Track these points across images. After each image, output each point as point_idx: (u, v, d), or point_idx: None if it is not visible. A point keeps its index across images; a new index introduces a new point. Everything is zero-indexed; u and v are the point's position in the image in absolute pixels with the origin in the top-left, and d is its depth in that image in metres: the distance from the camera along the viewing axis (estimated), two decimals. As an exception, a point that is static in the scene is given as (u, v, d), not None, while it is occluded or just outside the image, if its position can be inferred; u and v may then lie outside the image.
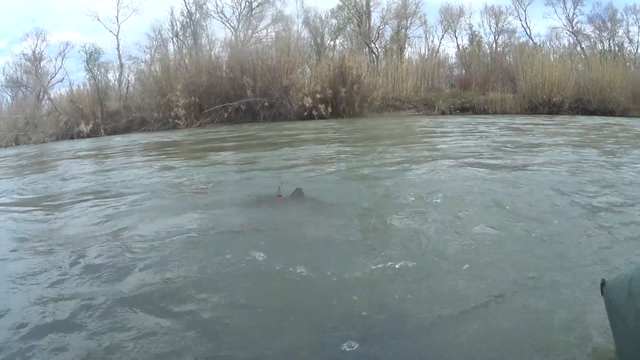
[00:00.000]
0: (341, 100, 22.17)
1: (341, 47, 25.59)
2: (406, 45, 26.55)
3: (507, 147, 8.03)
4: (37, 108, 24.30)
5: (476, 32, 28.39)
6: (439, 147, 8.78)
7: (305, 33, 26.55)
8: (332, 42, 26.95)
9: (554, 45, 27.77)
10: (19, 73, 26.45)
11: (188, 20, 24.69)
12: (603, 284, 1.52)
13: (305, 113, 21.73)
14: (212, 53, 23.51)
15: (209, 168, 7.49)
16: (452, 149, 8.31)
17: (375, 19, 26.35)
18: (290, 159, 7.76)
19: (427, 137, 11.51)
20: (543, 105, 22.02)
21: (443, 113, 23.70)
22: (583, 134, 10.92)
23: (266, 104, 22.36)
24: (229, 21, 25.48)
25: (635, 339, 1.30)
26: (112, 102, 23.85)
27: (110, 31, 25.93)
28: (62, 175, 8.08)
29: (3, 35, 47.54)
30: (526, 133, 11.36)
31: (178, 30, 24.90)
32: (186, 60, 23.10)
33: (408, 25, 26.85)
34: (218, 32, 25.53)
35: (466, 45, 28.05)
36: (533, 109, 22.16)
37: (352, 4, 25.89)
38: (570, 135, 10.47)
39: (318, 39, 26.58)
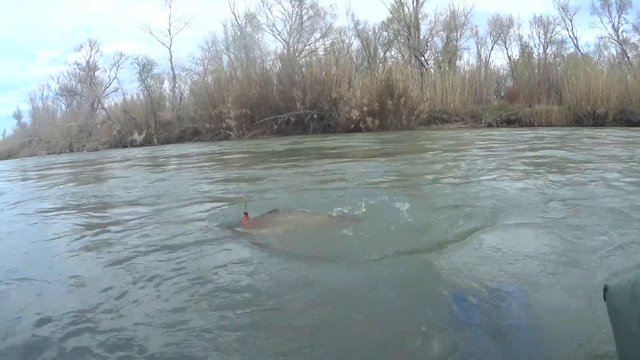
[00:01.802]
0: (388, 113, 22.36)
1: (393, 60, 25.64)
2: (457, 57, 26.41)
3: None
4: (91, 117, 25.17)
5: (526, 43, 28.05)
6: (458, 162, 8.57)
7: (355, 45, 26.72)
8: (384, 54, 27.01)
9: (602, 56, 27.28)
10: (73, 82, 27.40)
11: (239, 33, 25.08)
12: (605, 289, 1.49)
13: (353, 125, 22.01)
14: (263, 66, 23.83)
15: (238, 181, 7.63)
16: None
17: (424, 31, 26.32)
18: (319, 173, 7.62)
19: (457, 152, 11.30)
20: (587, 117, 21.59)
21: (489, 125, 23.55)
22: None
23: (315, 116, 22.63)
24: (280, 34, 25.84)
25: (639, 344, 1.29)
26: (165, 112, 24.45)
27: (163, 43, 26.66)
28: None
29: (58, 44, 49.07)
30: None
31: (229, 43, 25.31)
32: (238, 73, 23.49)
33: (458, 37, 26.72)
34: (270, 45, 25.70)
35: (516, 56, 27.75)
36: (578, 121, 21.76)
37: (401, 17, 25.90)
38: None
39: (370, 51, 26.69)
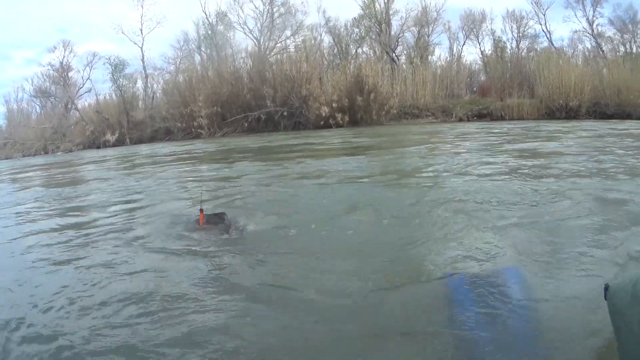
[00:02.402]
0: (358, 109, 22.51)
1: (364, 56, 25.79)
2: (429, 53, 26.59)
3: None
4: (65, 118, 25.26)
5: (499, 38, 28.27)
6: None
7: (327, 42, 26.88)
8: (355, 51, 27.15)
9: (577, 49, 27.52)
10: (47, 83, 27.44)
11: (210, 32, 25.21)
12: (606, 288, 1.51)
13: (323, 122, 22.13)
14: (235, 64, 23.99)
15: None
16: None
17: (395, 27, 26.49)
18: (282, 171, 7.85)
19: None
20: (560, 110, 21.75)
21: (460, 120, 23.72)
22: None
23: (285, 113, 22.80)
24: (252, 32, 25.98)
25: None
26: (138, 112, 24.57)
27: (135, 43, 26.75)
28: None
29: (33, 45, 49.15)
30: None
31: (201, 41, 25.45)
32: (209, 72, 23.63)
33: (430, 32, 26.91)
34: (242, 43, 25.84)
35: (489, 51, 27.97)
36: (550, 114, 21.92)
37: (373, 13, 26.05)
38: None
39: (342, 48, 26.84)
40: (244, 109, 22.95)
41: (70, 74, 27.04)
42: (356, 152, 10.63)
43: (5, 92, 39.71)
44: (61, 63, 26.72)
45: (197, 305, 2.46)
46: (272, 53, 24.81)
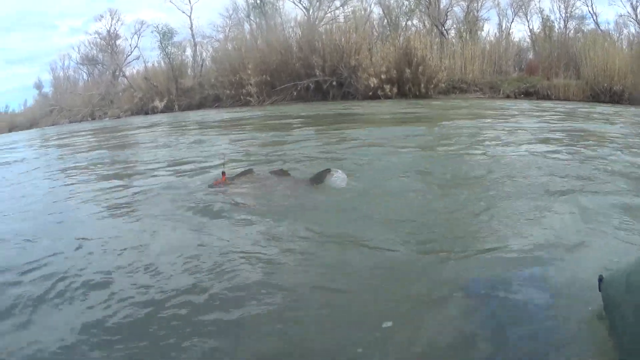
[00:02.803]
0: (406, 81, 22.40)
1: (414, 29, 25.64)
2: (478, 28, 26.33)
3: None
4: (112, 85, 25.51)
5: (547, 17, 27.90)
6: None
7: (376, 14, 26.72)
8: (405, 24, 26.98)
9: (621, 34, 27.04)
10: (94, 51, 27.74)
11: (258, 1, 25.27)
12: (600, 279, 1.49)
13: (371, 93, 22.09)
14: (283, 33, 23.99)
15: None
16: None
17: (444, 0, 26.26)
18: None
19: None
20: (604, 94, 21.53)
21: (507, 97, 23.51)
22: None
23: (334, 83, 22.75)
24: (301, 2, 26.01)
25: (634, 333, 1.29)
26: (186, 79, 24.73)
27: (183, 12, 26.92)
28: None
29: (78, 15, 50.07)
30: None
31: (250, 10, 25.52)
32: (258, 41, 23.68)
33: (479, 7, 26.63)
34: (291, 13, 25.84)
35: (538, 29, 27.66)
36: (595, 97, 21.68)
37: (423, -14, 25.88)
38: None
39: (392, 19, 26.67)
40: (292, 77, 23.00)
41: (117, 42, 27.38)
42: (412, 122, 10.66)
43: (51, 60, 40.47)
44: (108, 31, 27.10)
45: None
46: (322, 23, 24.77)
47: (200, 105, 23.39)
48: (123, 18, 28.10)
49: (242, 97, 22.85)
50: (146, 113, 23.80)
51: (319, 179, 3.68)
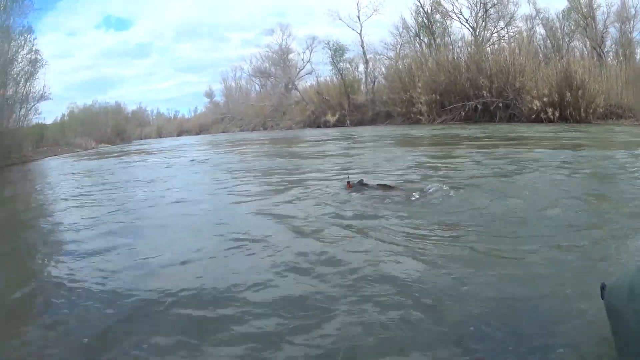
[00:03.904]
0: (567, 105, 23.61)
1: (576, 50, 26.64)
2: (632, 50, 26.91)
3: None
4: (285, 97, 28.17)
5: None
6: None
7: (539, 34, 27.59)
8: (567, 45, 27.70)
9: None
10: (266, 64, 30.38)
11: (426, 20, 26.82)
12: (603, 287, 1.47)
13: (534, 116, 23.60)
14: (453, 52, 25.69)
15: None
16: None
17: (600, 21, 26.94)
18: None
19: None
20: None
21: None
22: None
23: (500, 104, 24.47)
24: (468, 22, 27.36)
25: (638, 342, 1.28)
26: (359, 95, 27.06)
27: (353, 29, 28.52)
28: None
29: (249, 28, 54.19)
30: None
31: (419, 29, 27.02)
32: (428, 59, 25.50)
33: (631, 28, 27.15)
34: (458, 33, 27.11)
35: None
36: None
37: (576, 6, 26.67)
38: None
39: (553, 40, 27.64)
40: (461, 97, 24.90)
41: (289, 56, 29.77)
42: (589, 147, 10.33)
43: (222, 70, 43.85)
44: (280, 45, 29.46)
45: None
46: (488, 43, 26.24)
47: (372, 121, 25.66)
48: (294, 33, 30.17)
49: (412, 114, 25.09)
50: (318, 126, 26.35)
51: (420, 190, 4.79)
